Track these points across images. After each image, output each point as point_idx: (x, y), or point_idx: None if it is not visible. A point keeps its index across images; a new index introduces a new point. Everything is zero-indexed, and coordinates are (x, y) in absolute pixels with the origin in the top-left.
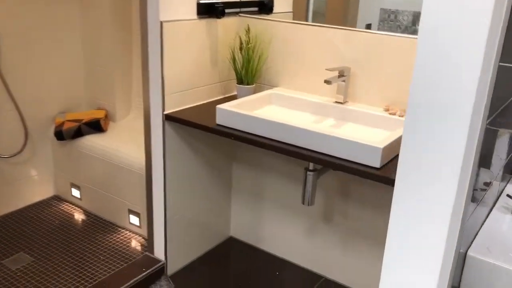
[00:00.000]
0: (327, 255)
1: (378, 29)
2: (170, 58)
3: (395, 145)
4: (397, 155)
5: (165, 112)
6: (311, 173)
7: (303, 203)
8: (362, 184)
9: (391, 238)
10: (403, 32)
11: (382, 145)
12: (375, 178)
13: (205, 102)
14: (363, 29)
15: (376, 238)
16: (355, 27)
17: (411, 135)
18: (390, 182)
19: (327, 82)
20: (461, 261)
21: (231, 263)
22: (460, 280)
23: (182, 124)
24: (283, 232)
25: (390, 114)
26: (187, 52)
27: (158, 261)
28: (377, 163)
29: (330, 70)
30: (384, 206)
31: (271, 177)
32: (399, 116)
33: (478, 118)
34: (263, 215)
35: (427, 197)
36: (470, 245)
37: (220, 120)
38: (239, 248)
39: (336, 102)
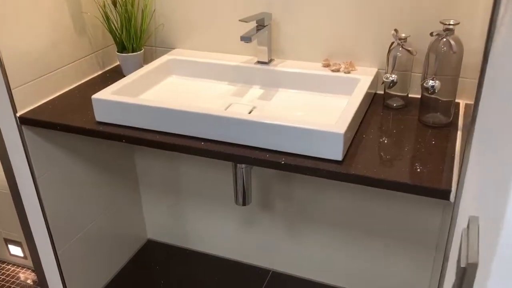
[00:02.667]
0: (272, 246)
1: None
2: (9, 31)
3: (356, 120)
4: (357, 132)
5: (19, 114)
6: (242, 165)
7: (236, 203)
8: None
9: None
10: None
11: (341, 128)
12: (339, 177)
13: (77, 84)
14: None
15: (328, 220)
16: None
17: None
18: (361, 181)
19: (244, 39)
20: None
21: (156, 272)
22: None
23: (47, 129)
24: (214, 225)
25: (333, 71)
26: (37, 19)
27: None
28: (338, 155)
29: (245, 21)
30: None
31: (187, 164)
32: (345, 72)
33: None
34: (184, 209)
35: None
36: None
37: (100, 115)
38: (163, 251)
39: (259, 62)
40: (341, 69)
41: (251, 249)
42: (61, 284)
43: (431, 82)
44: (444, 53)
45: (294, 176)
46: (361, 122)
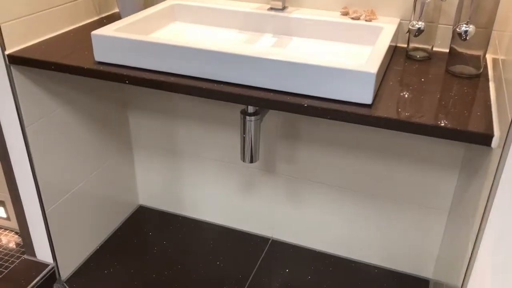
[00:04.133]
0: (272, 213)
1: None
2: None
3: (383, 64)
4: (382, 79)
5: (8, 52)
6: (252, 118)
7: (244, 160)
8: (310, 117)
9: None
10: None
11: (373, 68)
12: (370, 121)
13: (71, 28)
14: None
15: (333, 184)
16: None
17: None
18: (394, 125)
19: None
20: None
21: (148, 241)
22: None
23: (40, 68)
24: (211, 191)
25: (352, 19)
26: None
27: (44, 265)
28: (368, 98)
29: None
30: (344, 141)
31: (184, 124)
32: (366, 20)
33: None
34: (180, 174)
35: None
36: None
37: (100, 55)
38: (154, 218)
39: (272, 8)
40: (361, 17)
41: (250, 216)
42: (49, 248)
43: (464, 27)
44: None
45: (300, 136)
46: (385, 71)
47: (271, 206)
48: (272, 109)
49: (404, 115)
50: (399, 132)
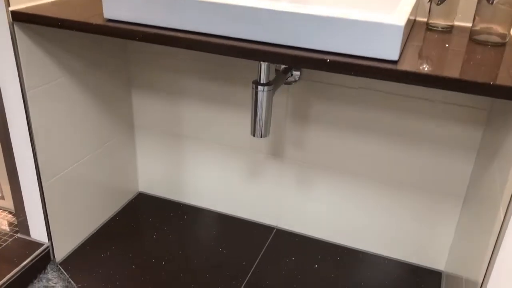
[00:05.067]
0: (277, 200)
1: None
2: None
3: (409, 23)
4: (405, 44)
5: (12, 8)
6: (264, 88)
7: (254, 135)
8: (326, 98)
9: None
10: None
11: (401, 20)
12: (396, 76)
13: None
14: None
15: (341, 170)
16: None
17: None
18: (424, 80)
19: None
20: None
21: (147, 227)
22: None
23: (46, 26)
24: (214, 178)
25: None
26: None
27: (39, 244)
28: (394, 54)
29: None
30: (354, 124)
31: (189, 105)
32: None
33: None
34: (183, 159)
35: None
36: None
37: (110, 11)
38: (154, 205)
39: None
40: None
41: (254, 204)
42: (44, 226)
43: None
44: None
45: (311, 118)
46: (407, 37)
47: (276, 193)
48: (293, 65)
49: (433, 70)
50: (413, 109)
